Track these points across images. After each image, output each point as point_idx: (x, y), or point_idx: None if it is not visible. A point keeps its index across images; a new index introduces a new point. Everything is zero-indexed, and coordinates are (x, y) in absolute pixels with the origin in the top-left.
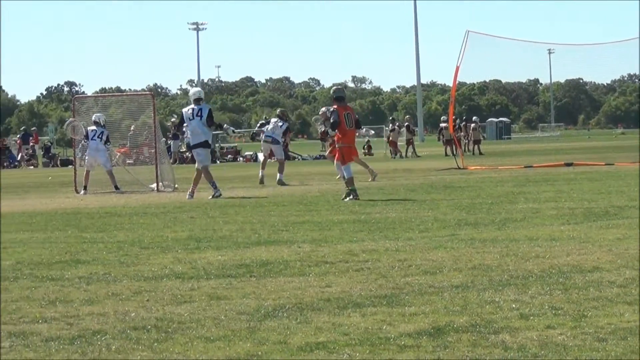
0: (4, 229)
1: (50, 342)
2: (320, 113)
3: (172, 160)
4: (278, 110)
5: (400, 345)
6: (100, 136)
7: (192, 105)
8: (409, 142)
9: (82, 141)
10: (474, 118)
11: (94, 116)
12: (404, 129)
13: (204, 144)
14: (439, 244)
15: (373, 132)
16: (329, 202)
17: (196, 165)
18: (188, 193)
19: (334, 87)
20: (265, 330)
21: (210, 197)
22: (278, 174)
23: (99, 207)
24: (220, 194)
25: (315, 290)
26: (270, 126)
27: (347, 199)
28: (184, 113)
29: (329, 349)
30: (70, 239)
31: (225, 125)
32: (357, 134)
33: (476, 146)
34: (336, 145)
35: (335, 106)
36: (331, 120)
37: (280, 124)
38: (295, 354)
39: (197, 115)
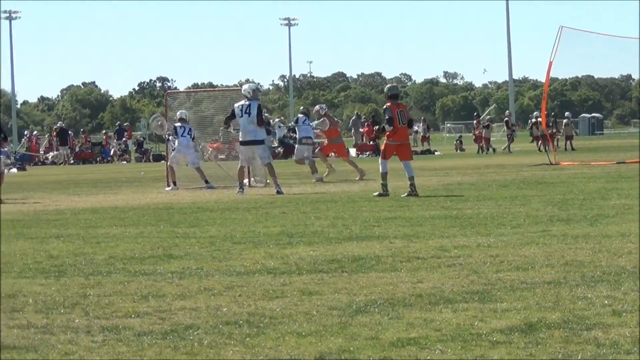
0: (96, 224)
1: (143, 337)
2: (314, 111)
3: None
4: (301, 108)
5: (492, 342)
6: (189, 132)
7: (243, 101)
8: (509, 138)
9: (170, 137)
10: (567, 114)
11: (179, 113)
12: (493, 125)
13: (258, 142)
14: (531, 239)
15: (416, 128)
16: (421, 198)
17: (240, 163)
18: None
19: (389, 85)
20: (357, 326)
21: (275, 192)
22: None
23: (191, 202)
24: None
25: (407, 285)
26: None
27: (376, 193)
28: (235, 108)
29: (420, 344)
30: (162, 233)
31: (272, 121)
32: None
33: (568, 142)
34: (386, 142)
35: (388, 104)
36: (386, 117)
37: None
38: (387, 350)
39: (245, 112)
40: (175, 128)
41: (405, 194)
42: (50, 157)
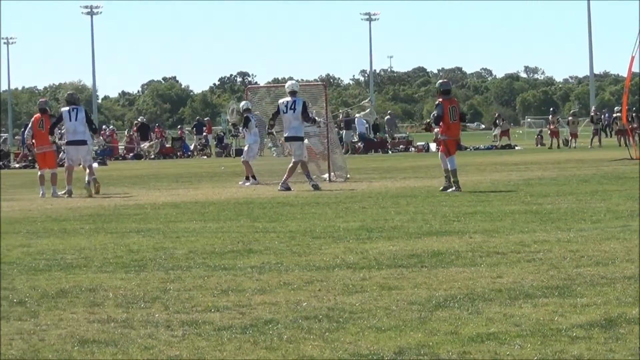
0: (177, 218)
1: (223, 331)
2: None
3: (345, 150)
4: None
5: (571, 337)
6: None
7: (288, 98)
8: (595, 133)
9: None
10: None
11: (246, 104)
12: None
13: (298, 138)
14: (611, 235)
15: (483, 126)
16: (501, 193)
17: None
18: (280, 184)
19: (441, 81)
20: (436, 321)
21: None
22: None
23: (271, 197)
24: (316, 185)
25: (487, 280)
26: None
27: (450, 190)
28: (279, 104)
29: (500, 339)
30: (242, 228)
31: (317, 118)
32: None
33: None
34: (440, 138)
35: (440, 99)
36: (435, 114)
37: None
38: (466, 345)
39: (290, 109)
40: (248, 118)
41: (442, 188)
42: (145, 146)
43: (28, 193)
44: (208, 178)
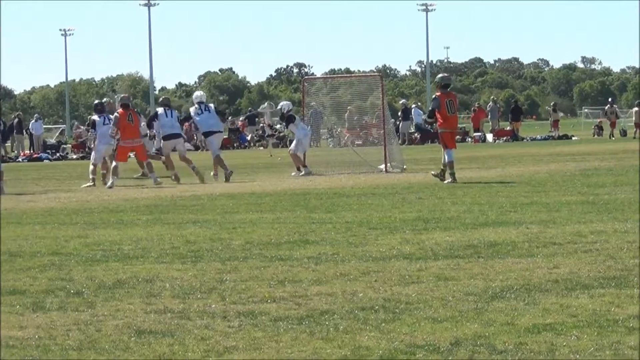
0: (233, 209)
1: (279, 322)
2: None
3: (401, 141)
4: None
5: (628, 328)
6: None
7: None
8: None
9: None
10: None
11: (287, 106)
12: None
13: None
14: None
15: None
16: (558, 183)
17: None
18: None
19: (440, 75)
20: (493, 312)
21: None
22: None
23: (327, 187)
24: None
25: (543, 271)
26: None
27: (446, 182)
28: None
29: (556, 330)
30: (298, 219)
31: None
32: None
33: None
34: (439, 131)
35: (438, 93)
36: (430, 107)
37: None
38: (523, 336)
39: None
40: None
41: (435, 173)
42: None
43: (85, 183)
44: (264, 169)
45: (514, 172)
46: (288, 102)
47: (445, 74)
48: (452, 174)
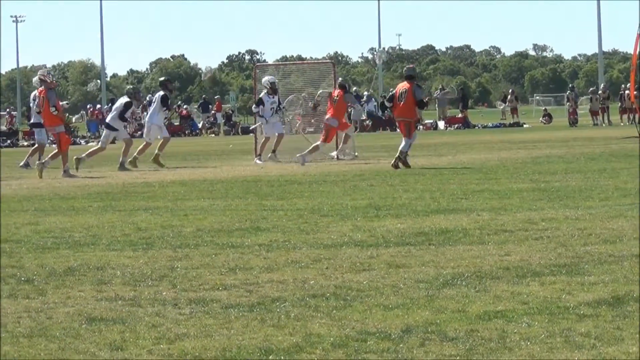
0: (185, 196)
1: (230, 309)
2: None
3: (353, 128)
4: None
5: (579, 315)
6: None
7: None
8: (603, 110)
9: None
10: None
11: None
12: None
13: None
14: (620, 212)
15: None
16: (509, 171)
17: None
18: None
19: (407, 66)
20: (444, 299)
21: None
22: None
23: (279, 175)
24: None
25: (494, 258)
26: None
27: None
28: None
29: (507, 317)
30: (250, 206)
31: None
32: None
33: None
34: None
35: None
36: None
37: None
38: (474, 323)
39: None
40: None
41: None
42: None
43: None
44: (216, 156)
45: (465, 159)
46: (271, 77)
47: (411, 66)
48: (404, 161)
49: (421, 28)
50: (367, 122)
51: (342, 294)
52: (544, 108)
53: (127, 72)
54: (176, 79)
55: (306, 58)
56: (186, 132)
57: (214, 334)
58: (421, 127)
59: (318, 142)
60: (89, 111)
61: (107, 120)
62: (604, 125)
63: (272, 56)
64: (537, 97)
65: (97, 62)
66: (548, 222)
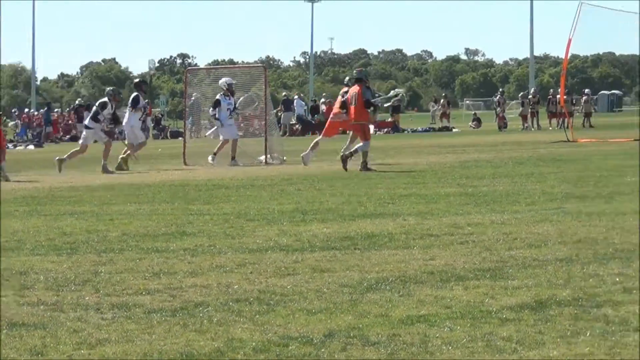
0: (111, 201)
1: (152, 314)
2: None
3: (282, 132)
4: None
5: (501, 319)
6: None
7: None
8: (532, 114)
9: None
10: (586, 91)
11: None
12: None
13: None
14: (545, 217)
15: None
16: (437, 175)
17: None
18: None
19: (355, 69)
20: (367, 303)
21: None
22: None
23: (206, 179)
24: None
25: (419, 263)
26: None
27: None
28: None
29: (430, 322)
30: (176, 211)
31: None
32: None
33: (586, 119)
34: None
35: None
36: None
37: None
38: (396, 327)
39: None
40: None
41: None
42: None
43: None
44: (144, 160)
45: (393, 163)
46: (229, 78)
47: (360, 69)
48: (343, 161)
49: (353, 32)
50: (297, 126)
51: (265, 299)
52: (473, 112)
53: (58, 75)
54: (107, 82)
55: (238, 62)
56: (115, 137)
57: (136, 339)
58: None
59: (318, 138)
60: (17, 115)
61: (85, 122)
62: (532, 129)
63: (203, 60)
64: (467, 102)
65: (28, 66)
66: (474, 226)
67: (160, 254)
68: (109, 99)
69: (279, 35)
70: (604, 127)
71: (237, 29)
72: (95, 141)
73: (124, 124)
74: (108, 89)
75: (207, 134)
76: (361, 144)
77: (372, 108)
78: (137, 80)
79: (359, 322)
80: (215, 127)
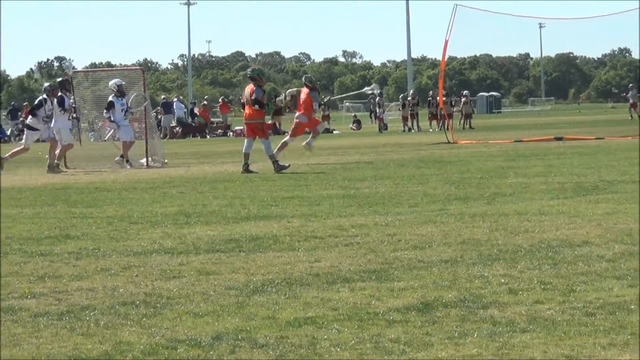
0: None
1: (39, 318)
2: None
3: (163, 135)
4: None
5: (388, 320)
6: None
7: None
8: (412, 116)
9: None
10: (465, 92)
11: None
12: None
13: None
14: (429, 218)
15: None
16: (319, 177)
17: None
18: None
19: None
20: (254, 306)
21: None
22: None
23: (88, 182)
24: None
25: (305, 265)
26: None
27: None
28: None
29: (317, 324)
30: (59, 214)
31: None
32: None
33: (466, 120)
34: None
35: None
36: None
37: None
38: (284, 329)
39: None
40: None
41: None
42: None
43: None
44: (24, 163)
45: (268, 167)
46: (118, 79)
47: (252, 67)
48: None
49: (231, 34)
50: (177, 128)
51: (152, 302)
52: (353, 114)
53: None
54: None
55: (116, 65)
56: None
57: (23, 343)
58: (231, 133)
59: (286, 138)
60: None
61: (27, 121)
62: (413, 131)
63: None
64: (347, 104)
65: None
66: (358, 228)
67: (45, 258)
68: (48, 95)
69: (157, 38)
70: (483, 129)
71: (115, 32)
72: (38, 140)
73: (52, 125)
74: (46, 84)
75: (106, 139)
76: (263, 146)
77: (257, 106)
78: (59, 79)
79: (247, 324)
80: (112, 130)
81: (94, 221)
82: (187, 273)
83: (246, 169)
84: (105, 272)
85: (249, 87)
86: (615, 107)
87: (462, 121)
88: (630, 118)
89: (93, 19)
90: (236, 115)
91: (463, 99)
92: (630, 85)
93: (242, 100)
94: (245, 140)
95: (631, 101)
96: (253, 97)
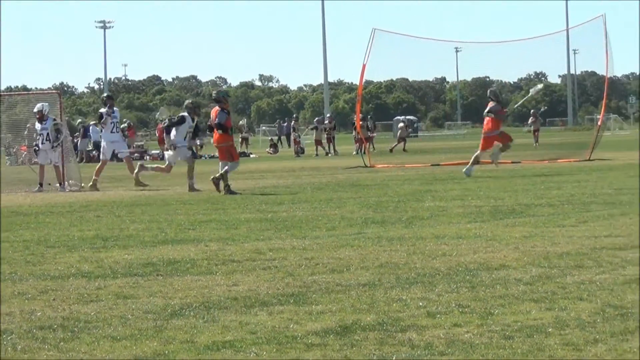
0: None
1: None
2: None
3: (79, 159)
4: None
5: (307, 344)
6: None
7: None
8: (329, 140)
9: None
10: (402, 117)
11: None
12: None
13: None
14: (346, 242)
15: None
16: (236, 201)
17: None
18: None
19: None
20: (172, 329)
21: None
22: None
23: (3, 206)
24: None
25: (222, 288)
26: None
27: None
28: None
29: (235, 347)
30: None
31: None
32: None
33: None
34: None
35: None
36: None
37: None
38: (202, 353)
39: None
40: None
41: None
42: None
43: None
44: None
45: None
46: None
47: (217, 89)
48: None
49: (147, 58)
50: (94, 152)
51: (69, 326)
52: (270, 138)
53: None
54: None
55: (32, 88)
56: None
57: None
58: (148, 157)
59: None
60: None
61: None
62: (329, 155)
63: None
64: (264, 127)
65: None
66: (275, 252)
67: None
68: (188, 113)
69: (72, 61)
70: (400, 153)
71: (30, 55)
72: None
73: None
74: (187, 102)
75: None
76: (228, 165)
77: (220, 130)
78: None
79: (165, 348)
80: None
81: (10, 245)
82: (105, 297)
83: (228, 190)
84: (22, 296)
85: (214, 110)
86: (530, 130)
87: (397, 145)
88: (534, 145)
89: (7, 41)
90: (151, 139)
91: (400, 124)
92: (532, 111)
93: (209, 123)
94: (220, 163)
95: (533, 127)
96: (216, 122)
